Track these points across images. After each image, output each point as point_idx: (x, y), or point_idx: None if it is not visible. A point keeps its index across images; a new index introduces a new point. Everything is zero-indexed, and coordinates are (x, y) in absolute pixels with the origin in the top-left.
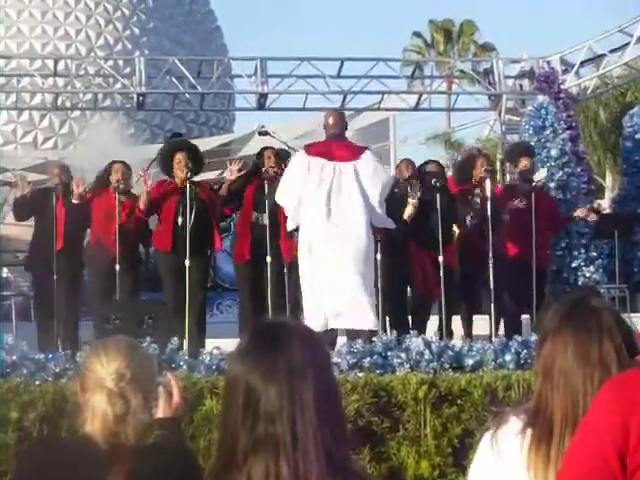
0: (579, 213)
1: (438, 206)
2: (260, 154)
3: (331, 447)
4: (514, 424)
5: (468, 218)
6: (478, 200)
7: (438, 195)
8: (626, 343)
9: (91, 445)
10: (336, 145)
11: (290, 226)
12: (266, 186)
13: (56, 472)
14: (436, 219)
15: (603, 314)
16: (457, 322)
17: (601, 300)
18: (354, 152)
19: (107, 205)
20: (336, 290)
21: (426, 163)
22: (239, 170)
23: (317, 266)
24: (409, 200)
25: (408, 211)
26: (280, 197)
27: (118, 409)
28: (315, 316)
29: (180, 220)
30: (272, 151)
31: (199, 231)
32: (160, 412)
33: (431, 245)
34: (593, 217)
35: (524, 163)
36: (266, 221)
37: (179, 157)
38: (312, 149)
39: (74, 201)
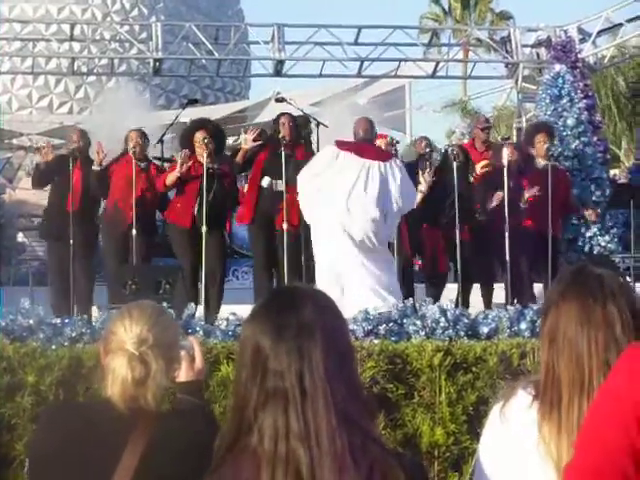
0: (589, 215)
1: (455, 187)
2: (277, 120)
3: (345, 406)
4: (522, 397)
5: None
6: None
7: (456, 175)
8: (630, 307)
9: (111, 409)
10: (366, 146)
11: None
12: (283, 153)
13: (76, 436)
14: (452, 199)
15: (605, 279)
16: (474, 295)
17: (603, 267)
18: (383, 155)
19: (126, 172)
20: (353, 283)
21: (449, 146)
22: (254, 140)
23: (334, 259)
24: (419, 187)
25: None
26: (299, 179)
27: (137, 373)
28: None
29: (201, 199)
30: (288, 117)
31: (217, 210)
32: (183, 376)
33: (445, 223)
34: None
35: (539, 139)
36: (281, 187)
37: (198, 135)
38: (343, 145)
39: (95, 168)
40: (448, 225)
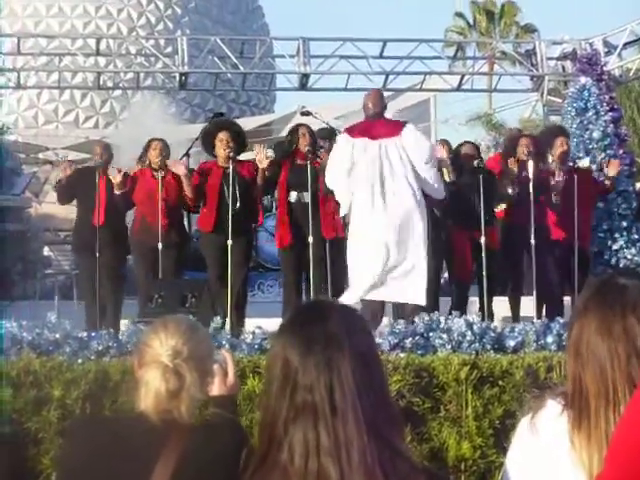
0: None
1: (481, 187)
2: (295, 131)
3: (375, 419)
4: (552, 408)
5: (510, 190)
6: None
7: (480, 176)
8: None
9: (143, 422)
10: (377, 123)
11: (343, 211)
12: (309, 165)
13: (104, 450)
14: (477, 201)
15: (628, 290)
16: (497, 304)
17: (629, 278)
18: (395, 128)
19: (149, 184)
20: (386, 264)
21: (461, 145)
22: (267, 157)
23: (367, 244)
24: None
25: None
26: (330, 182)
27: (171, 385)
28: (362, 285)
29: (224, 200)
30: (307, 128)
31: (242, 210)
32: (216, 390)
33: (472, 227)
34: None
35: (560, 142)
36: (308, 199)
37: (221, 136)
38: (354, 130)
39: (116, 192)
40: (474, 229)
